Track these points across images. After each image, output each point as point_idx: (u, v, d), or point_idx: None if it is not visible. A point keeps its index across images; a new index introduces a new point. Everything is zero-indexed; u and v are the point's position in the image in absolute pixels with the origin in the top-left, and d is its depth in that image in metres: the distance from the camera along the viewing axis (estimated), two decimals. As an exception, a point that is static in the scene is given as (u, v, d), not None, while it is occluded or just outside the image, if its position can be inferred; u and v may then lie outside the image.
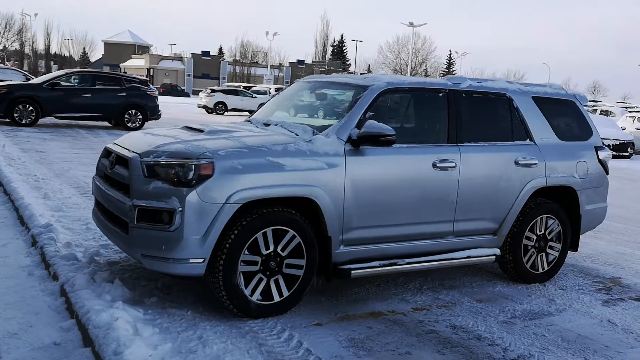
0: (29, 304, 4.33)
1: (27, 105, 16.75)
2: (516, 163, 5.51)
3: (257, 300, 4.37)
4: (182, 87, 71.50)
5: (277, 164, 4.33)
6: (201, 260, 4.13)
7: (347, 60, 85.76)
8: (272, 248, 4.39)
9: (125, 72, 49.33)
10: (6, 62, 64.80)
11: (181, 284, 4.83)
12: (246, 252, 4.28)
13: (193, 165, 4.12)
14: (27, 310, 4.23)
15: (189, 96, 64.91)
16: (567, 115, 6.17)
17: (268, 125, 5.25)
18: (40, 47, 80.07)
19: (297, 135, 4.78)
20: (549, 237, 5.87)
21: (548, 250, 5.89)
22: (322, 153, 4.56)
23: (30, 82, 18.58)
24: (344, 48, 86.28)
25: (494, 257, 5.49)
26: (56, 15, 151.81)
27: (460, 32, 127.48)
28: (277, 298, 4.46)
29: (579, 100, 6.25)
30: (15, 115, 16.66)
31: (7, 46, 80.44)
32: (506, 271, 5.81)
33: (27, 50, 77.33)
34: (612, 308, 5.31)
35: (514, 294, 5.49)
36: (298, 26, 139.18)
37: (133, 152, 4.44)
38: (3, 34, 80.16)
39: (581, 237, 6.20)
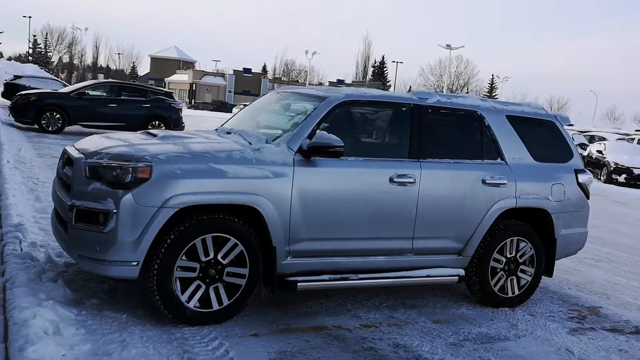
0: (-30, 299, 4.40)
1: (55, 113, 17.21)
2: (483, 182, 5.36)
3: (194, 307, 4.34)
4: (233, 104, 72.59)
5: (219, 171, 4.32)
6: (135, 263, 4.13)
7: (388, 82, 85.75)
8: (212, 255, 4.36)
9: (162, 87, 50.40)
10: (60, 75, 67.16)
11: (128, 287, 4.84)
12: (183, 257, 4.27)
13: (130, 168, 4.14)
14: (-33, 305, 4.29)
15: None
16: (545, 136, 5.99)
17: (229, 133, 5.26)
18: (89, 60, 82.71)
19: (250, 143, 4.76)
20: (520, 261, 5.68)
21: (519, 274, 5.69)
22: (269, 162, 4.53)
23: (59, 91, 19.11)
24: (384, 69, 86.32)
25: (457, 277, 5.33)
26: (105, 30, 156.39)
27: (503, 57, 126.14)
28: (216, 306, 4.42)
29: (560, 121, 6.07)
30: (43, 122, 17.13)
31: (61, 58, 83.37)
32: (473, 293, 5.65)
33: (76, 62, 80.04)
34: (577, 337, 5.09)
35: (476, 316, 5.32)
36: (338, 46, 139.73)
37: (81, 153, 4.50)
38: (55, 47, 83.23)
39: (576, 264, 5.99)
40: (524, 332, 5.06)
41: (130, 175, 4.13)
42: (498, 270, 5.58)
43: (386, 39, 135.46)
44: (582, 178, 5.96)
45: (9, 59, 73.13)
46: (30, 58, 76.73)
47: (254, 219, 4.51)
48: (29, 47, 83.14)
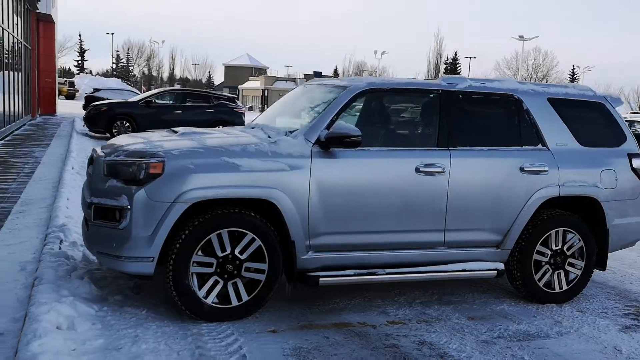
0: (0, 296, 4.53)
1: (125, 122, 17.86)
2: (521, 170, 5.03)
3: (212, 303, 4.29)
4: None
5: (232, 165, 4.25)
6: (150, 259, 4.13)
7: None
8: (229, 250, 4.30)
9: (236, 94, 51.48)
10: (143, 87, 70.20)
11: (154, 284, 4.85)
12: (199, 252, 4.23)
13: (143, 164, 4.15)
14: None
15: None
16: (593, 119, 5.56)
17: (253, 128, 5.20)
18: (166, 72, 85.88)
19: (269, 137, 4.68)
20: (568, 253, 5.29)
21: (567, 267, 5.30)
22: (285, 154, 4.42)
23: (128, 100, 19.83)
24: (457, 65, 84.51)
25: (496, 271, 5.02)
26: (180, 42, 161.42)
27: (585, 47, 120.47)
28: (235, 302, 4.35)
29: (610, 102, 5.62)
30: (114, 130, 17.81)
31: (143, 71, 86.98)
32: (516, 288, 5.31)
33: (154, 74, 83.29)
34: (630, 335, 4.68)
35: (517, 313, 4.99)
36: (409, 45, 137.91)
37: (102, 152, 4.56)
38: (135, 61, 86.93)
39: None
40: (568, 329, 4.70)
41: (143, 171, 4.13)
42: (543, 263, 5.22)
43: (458, 34, 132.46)
44: (637, 163, 5.50)
45: (97, 74, 77.15)
46: (114, 73, 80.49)
47: (271, 213, 4.41)
48: (113, 62, 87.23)
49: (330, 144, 4.48)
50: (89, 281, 4.59)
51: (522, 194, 5.03)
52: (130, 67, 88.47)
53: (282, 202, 4.33)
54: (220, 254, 4.28)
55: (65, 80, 56.70)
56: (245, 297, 4.38)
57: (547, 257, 5.22)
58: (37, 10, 25.38)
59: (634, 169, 5.48)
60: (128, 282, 4.87)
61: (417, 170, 4.72)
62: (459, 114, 5.01)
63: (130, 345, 3.74)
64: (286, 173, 4.36)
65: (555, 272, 5.27)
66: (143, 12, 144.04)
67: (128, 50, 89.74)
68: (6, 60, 19.14)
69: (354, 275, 4.63)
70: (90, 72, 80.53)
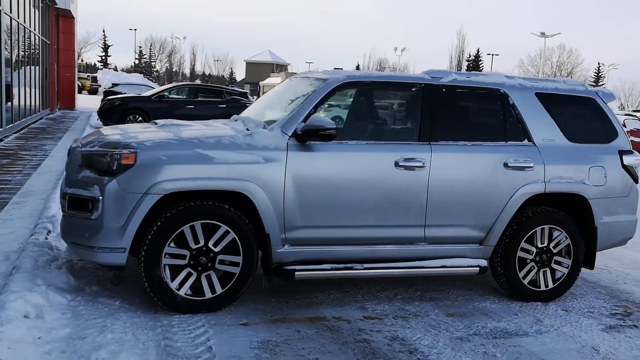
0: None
1: (137, 116, 18.01)
2: (505, 165, 4.95)
3: (185, 294, 4.30)
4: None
5: (205, 156, 4.25)
6: (122, 249, 4.15)
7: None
8: (202, 243, 4.30)
9: (257, 90, 51.67)
10: (166, 83, 70.78)
11: (134, 276, 4.86)
12: (172, 244, 4.23)
13: (116, 155, 4.16)
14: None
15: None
16: (583, 114, 5.46)
17: (236, 121, 5.20)
18: (187, 68, 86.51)
19: (247, 129, 4.67)
20: (554, 251, 5.20)
21: (554, 265, 5.21)
22: (261, 147, 4.41)
23: (141, 95, 19.99)
24: (479, 62, 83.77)
25: (478, 268, 4.96)
26: (201, 38, 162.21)
27: (611, 44, 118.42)
28: (208, 295, 4.35)
29: (602, 97, 5.50)
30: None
31: (165, 67, 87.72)
32: (501, 286, 5.24)
33: (176, 70, 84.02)
34: (612, 335, 4.58)
35: (499, 311, 4.92)
36: (430, 41, 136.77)
37: (80, 143, 4.58)
38: (157, 56, 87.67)
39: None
40: (548, 328, 4.62)
41: (115, 162, 4.15)
42: (528, 261, 5.14)
43: (481, 31, 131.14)
44: (628, 160, 5.38)
45: (121, 69, 78.05)
46: (137, 68, 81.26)
47: (246, 205, 4.40)
48: (135, 58, 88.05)
49: (306, 137, 4.45)
50: (66, 271, 4.63)
51: (505, 190, 4.96)
52: (152, 63, 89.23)
53: (256, 195, 4.31)
54: (193, 246, 4.28)
55: (88, 76, 57.38)
56: (219, 290, 4.38)
57: (532, 254, 5.14)
58: (56, 6, 25.66)
59: (624, 166, 5.36)
60: (107, 273, 4.89)
61: (397, 164, 4.67)
62: (442, 108, 4.95)
63: (96, 335, 3.76)
64: (261, 165, 4.35)
65: (541, 270, 5.18)
66: (165, 8, 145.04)
67: (151, 46, 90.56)
68: (23, 55, 19.42)
69: (331, 269, 4.61)
70: (115, 68, 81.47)
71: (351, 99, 4.95)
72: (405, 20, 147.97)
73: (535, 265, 5.16)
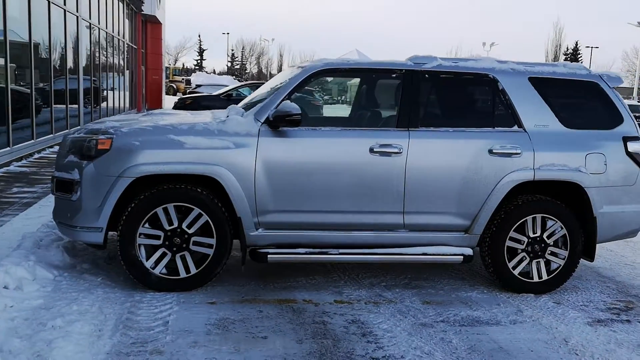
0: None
1: (208, 114, 18.72)
2: (490, 152, 4.83)
3: (160, 273, 4.53)
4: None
5: (177, 142, 4.46)
6: (99, 229, 4.44)
7: (583, 70, 78.87)
8: (176, 224, 4.51)
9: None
10: None
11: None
12: (146, 225, 4.48)
13: (94, 141, 4.46)
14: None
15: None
16: (584, 99, 5.20)
17: (226, 109, 5.38)
18: (275, 69, 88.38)
19: (227, 116, 4.84)
20: (548, 242, 5.00)
21: (548, 256, 5.02)
22: (232, 133, 4.56)
23: (212, 94, 20.73)
24: (578, 56, 79.82)
25: (462, 257, 4.86)
26: (288, 39, 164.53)
27: None
28: (183, 274, 4.57)
29: (606, 82, 5.22)
30: (198, 123, 18.72)
31: (257, 70, 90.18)
32: (491, 277, 5.11)
33: (264, 71, 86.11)
34: (594, 328, 4.36)
35: (482, 300, 4.80)
36: (523, 36, 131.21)
37: (74, 130, 4.93)
38: (248, 59, 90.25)
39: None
40: (526, 318, 4.46)
41: (93, 147, 4.44)
42: (519, 251, 4.98)
43: (580, 23, 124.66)
44: (632, 147, 5.07)
45: (213, 72, 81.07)
46: (230, 71, 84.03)
47: (220, 190, 4.57)
48: (228, 61, 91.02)
49: (276, 123, 4.56)
50: (64, 250, 4.99)
51: (490, 177, 4.83)
52: (245, 65, 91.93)
53: (226, 179, 4.47)
54: (167, 228, 4.50)
55: (183, 79, 60.07)
56: (193, 270, 4.57)
57: (523, 244, 4.97)
58: (143, 12, 27.09)
59: (629, 153, 5.06)
60: (104, 252, 5.22)
61: (371, 150, 4.67)
62: (423, 94, 4.90)
63: (63, 306, 4.05)
64: (231, 151, 4.50)
65: (534, 261, 5.00)
66: (256, 10, 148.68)
67: (243, 48, 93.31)
68: (111, 61, 20.75)
69: (305, 253, 4.69)
70: (214, 71, 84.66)
71: (328, 87, 5.00)
72: (498, 13, 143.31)
73: (527, 256, 4.99)
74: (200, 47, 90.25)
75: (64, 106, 14.26)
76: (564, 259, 5.02)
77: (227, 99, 18.81)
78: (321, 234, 4.74)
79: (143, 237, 4.49)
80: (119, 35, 22.41)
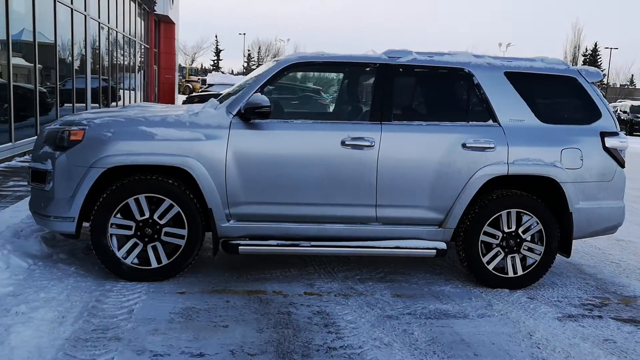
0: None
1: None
2: (464, 146, 4.82)
3: (131, 263, 4.58)
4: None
5: (148, 133, 4.51)
6: (71, 219, 4.50)
7: (602, 70, 78.19)
8: (147, 215, 4.56)
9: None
10: None
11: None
12: (118, 215, 4.53)
13: (66, 131, 4.53)
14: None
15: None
16: (561, 94, 5.17)
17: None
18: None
19: (202, 109, 4.89)
20: (524, 237, 4.98)
21: (524, 252, 4.99)
22: (203, 125, 4.61)
23: (220, 92, 20.86)
24: (597, 57, 78.96)
25: (435, 251, 4.86)
26: (302, 38, 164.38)
27: None
28: (154, 265, 4.62)
29: (585, 77, 5.18)
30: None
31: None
32: (466, 271, 5.10)
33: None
34: (562, 323, 4.34)
35: (454, 295, 4.79)
36: (540, 36, 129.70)
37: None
38: (264, 59, 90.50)
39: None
40: (494, 312, 4.45)
41: (65, 138, 4.51)
42: (493, 246, 4.96)
43: (600, 24, 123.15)
44: (610, 142, 5.03)
45: (230, 72, 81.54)
46: (246, 71, 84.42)
47: (192, 181, 4.61)
48: (244, 61, 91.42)
49: (247, 115, 4.60)
50: (41, 240, 5.07)
51: (463, 171, 4.82)
52: (260, 65, 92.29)
53: (196, 170, 4.52)
54: (139, 218, 4.56)
55: (199, 78, 60.49)
56: (165, 261, 4.62)
57: (497, 239, 4.95)
58: (155, 12, 27.32)
59: (606, 149, 5.02)
60: (82, 243, 5.29)
61: (343, 143, 4.69)
62: (397, 88, 4.90)
63: (30, 293, 4.12)
64: (201, 142, 4.55)
65: (509, 256, 4.98)
66: (272, 11, 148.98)
67: (259, 49, 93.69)
68: (122, 60, 20.96)
69: (276, 245, 4.72)
70: (231, 71, 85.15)
71: (302, 79, 5.02)
72: (513, 14, 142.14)
73: (501, 251, 4.97)
74: (216, 47, 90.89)
75: (80, 104, 14.52)
76: (539, 254, 4.99)
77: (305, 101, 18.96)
78: (293, 226, 4.77)
79: (115, 227, 4.55)
80: (130, 35, 22.63)
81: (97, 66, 17.40)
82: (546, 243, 4.98)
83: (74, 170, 4.46)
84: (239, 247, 4.65)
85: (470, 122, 4.92)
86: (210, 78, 62.73)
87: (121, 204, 4.51)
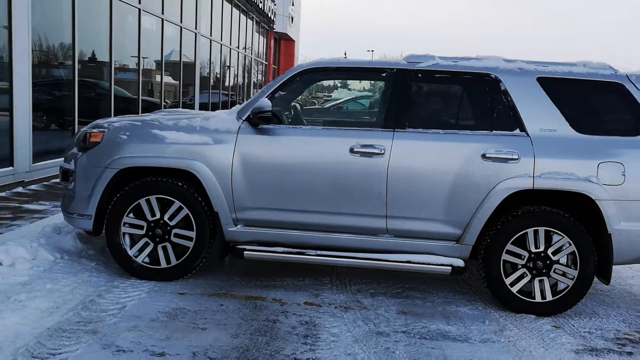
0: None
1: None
2: (484, 157, 4.48)
3: (142, 262, 4.73)
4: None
5: (159, 137, 4.65)
6: (89, 216, 4.74)
7: None
8: (158, 216, 4.70)
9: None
10: None
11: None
12: (130, 215, 4.70)
13: (88, 133, 4.78)
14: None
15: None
16: (605, 102, 4.65)
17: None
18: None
19: (216, 114, 4.98)
20: (554, 258, 4.52)
21: (554, 275, 4.53)
22: (213, 130, 4.67)
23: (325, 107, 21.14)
24: None
25: (450, 268, 4.55)
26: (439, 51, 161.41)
27: None
28: (164, 264, 4.73)
29: (634, 83, 4.62)
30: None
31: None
32: (489, 291, 4.72)
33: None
34: (579, 356, 3.86)
35: (468, 316, 4.45)
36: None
37: (90, 126, 5.33)
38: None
39: None
40: (500, 338, 4.06)
41: (87, 139, 4.77)
42: (519, 266, 4.55)
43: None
44: (660, 156, 4.44)
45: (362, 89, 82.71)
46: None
47: (201, 184, 4.68)
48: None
49: (255, 120, 4.60)
50: (76, 237, 5.37)
51: (482, 184, 4.47)
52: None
53: (203, 174, 4.58)
54: (150, 218, 4.70)
55: (325, 94, 61.94)
56: (174, 261, 4.72)
57: (523, 259, 4.53)
58: (274, 30, 28.36)
59: (656, 164, 4.44)
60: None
61: (352, 150, 4.54)
62: (414, 94, 4.67)
63: (40, 284, 4.37)
64: (209, 146, 4.61)
65: (537, 279, 4.54)
66: (402, 27, 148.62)
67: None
68: (236, 75, 22.02)
69: (282, 252, 4.65)
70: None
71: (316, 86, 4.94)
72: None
73: (528, 272, 4.54)
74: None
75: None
76: (572, 279, 4.50)
77: (337, 111, 19.11)
78: (301, 233, 4.68)
79: (127, 226, 4.72)
80: (246, 52, 23.64)
81: (219, 83, 18.46)
82: (580, 267, 4.47)
83: (92, 171, 4.70)
84: (244, 252, 4.65)
85: (494, 131, 4.57)
86: (337, 94, 64.14)
87: (133, 204, 4.67)
